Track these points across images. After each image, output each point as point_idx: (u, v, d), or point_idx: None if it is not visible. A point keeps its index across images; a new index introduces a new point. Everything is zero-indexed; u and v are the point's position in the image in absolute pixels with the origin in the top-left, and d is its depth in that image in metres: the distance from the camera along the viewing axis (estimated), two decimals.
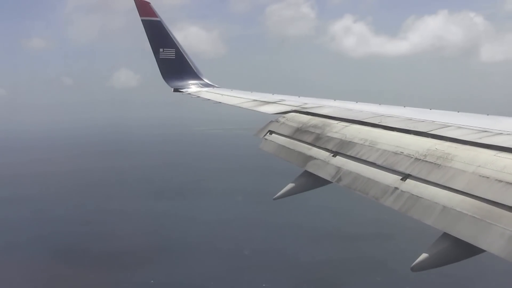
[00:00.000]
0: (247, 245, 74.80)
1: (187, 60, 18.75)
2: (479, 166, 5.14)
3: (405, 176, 5.80)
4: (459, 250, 4.81)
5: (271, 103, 12.51)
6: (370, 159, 6.67)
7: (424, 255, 4.97)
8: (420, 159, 5.92)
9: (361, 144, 7.22)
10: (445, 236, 4.84)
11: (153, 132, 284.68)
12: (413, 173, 5.75)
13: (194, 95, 17.73)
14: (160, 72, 18.54)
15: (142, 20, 17.71)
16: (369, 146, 7.02)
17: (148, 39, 18.06)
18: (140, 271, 66.66)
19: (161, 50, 18.22)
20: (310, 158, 7.89)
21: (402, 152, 6.32)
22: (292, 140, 9.02)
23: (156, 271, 66.21)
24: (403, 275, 62.06)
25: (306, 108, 10.69)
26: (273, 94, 14.04)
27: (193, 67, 18.92)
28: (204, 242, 77.53)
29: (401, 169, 5.98)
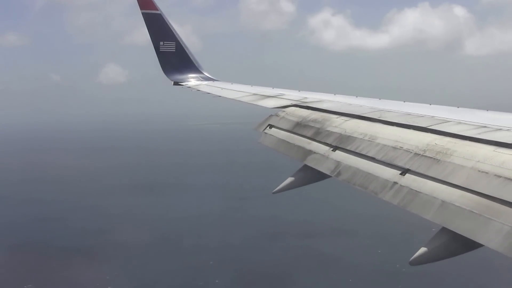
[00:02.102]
0: (206, 242, 75.07)
1: (187, 54, 18.69)
2: (478, 161, 5.16)
3: (404, 171, 5.82)
4: (458, 244, 4.84)
5: (271, 97, 12.50)
6: (369, 154, 6.68)
7: (422, 249, 5.01)
8: (419, 154, 5.94)
9: (361, 138, 7.24)
10: (444, 230, 4.87)
11: (146, 128, 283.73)
12: (412, 168, 5.77)
13: (194, 89, 17.69)
14: (160, 65, 18.48)
15: (142, 12, 17.61)
16: (369, 140, 7.04)
17: (148, 32, 17.97)
18: (97, 267, 66.67)
19: (161, 43, 18.12)
20: (309, 152, 7.91)
21: (402, 147, 6.33)
22: (291, 134, 9.05)
23: (112, 268, 66.27)
24: (356, 271, 62.54)
25: (306, 102, 10.70)
26: (273, 88, 14.04)
27: (193, 61, 18.86)
28: (165, 239, 77.63)
29: (400, 164, 5.99)
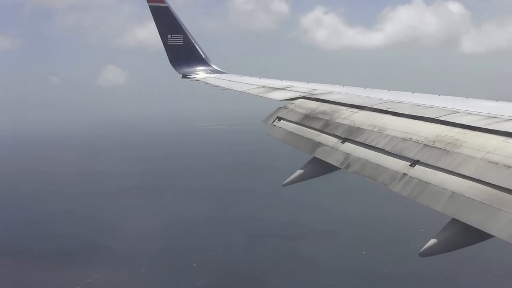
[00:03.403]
0: (192, 244, 74.65)
1: (195, 46, 18.68)
2: (488, 152, 5.14)
3: (414, 162, 5.82)
4: (468, 235, 4.85)
5: (279, 89, 12.50)
6: (378, 145, 6.68)
7: (432, 241, 5.02)
8: (429, 145, 5.93)
9: (370, 130, 7.23)
10: (454, 221, 4.87)
11: (155, 131, 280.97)
12: (422, 159, 5.76)
13: (202, 81, 17.69)
14: (168, 58, 18.48)
15: (150, 6, 17.58)
16: (378, 132, 7.03)
17: (156, 25, 17.94)
18: (79, 269, 66.45)
19: (169, 36, 18.11)
20: (318, 144, 7.92)
21: (411, 138, 6.33)
22: (300, 127, 9.05)
23: (94, 270, 65.99)
24: (337, 274, 61.95)
25: (314, 94, 10.68)
26: (281, 80, 14.02)
27: (201, 53, 18.85)
28: (150, 241, 76.78)
29: (410, 155, 5.99)
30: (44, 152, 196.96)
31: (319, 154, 7.65)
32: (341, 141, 7.51)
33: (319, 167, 7.74)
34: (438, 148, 5.76)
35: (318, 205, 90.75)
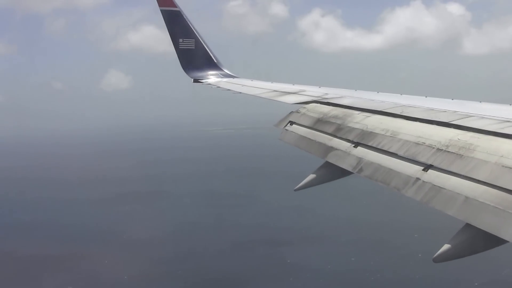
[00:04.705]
0: (180, 251, 74.61)
1: (207, 51, 18.70)
2: (501, 156, 5.12)
3: (427, 167, 5.80)
4: (482, 241, 4.82)
5: (291, 94, 12.51)
6: (391, 150, 6.68)
7: (446, 246, 4.99)
8: (442, 150, 5.91)
9: (383, 134, 7.23)
10: (467, 227, 4.85)
11: (162, 136, 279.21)
12: (435, 164, 5.74)
13: (214, 86, 17.69)
14: (180, 62, 18.51)
15: (161, 10, 17.54)
16: (391, 136, 7.03)
17: (167, 29, 17.90)
18: (59, 276, 66.68)
19: (180, 40, 18.10)
20: (331, 149, 7.92)
21: (424, 143, 6.31)
22: (312, 131, 9.05)
23: (74, 277, 66.22)
24: (324, 280, 61.63)
25: (326, 98, 10.69)
26: (293, 84, 14.04)
27: (213, 58, 18.86)
28: (138, 248, 76.65)
29: (423, 160, 5.98)
30: (50, 157, 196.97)
31: (332, 159, 7.65)
32: (353, 145, 7.51)
33: (332, 172, 7.73)
34: (452, 152, 5.74)
35: (313, 211, 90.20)
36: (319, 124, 9.15)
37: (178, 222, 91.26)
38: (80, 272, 67.82)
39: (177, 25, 17.96)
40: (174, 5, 17.65)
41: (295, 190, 8.09)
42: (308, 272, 64.15)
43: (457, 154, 5.65)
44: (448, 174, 5.43)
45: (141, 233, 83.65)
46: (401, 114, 7.81)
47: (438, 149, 5.98)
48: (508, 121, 6.11)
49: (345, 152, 7.49)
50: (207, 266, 68.06)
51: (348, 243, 74.24)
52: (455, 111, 7.19)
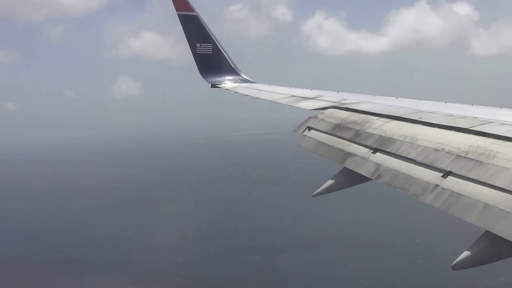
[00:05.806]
0: (178, 257, 74.33)
1: (224, 55, 18.75)
2: None
3: (446, 173, 5.78)
4: (501, 248, 4.78)
5: (309, 99, 12.51)
6: (410, 156, 6.65)
7: (465, 253, 4.96)
8: (461, 156, 5.88)
9: (401, 140, 7.21)
10: (487, 234, 4.82)
11: (177, 142, 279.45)
12: (455, 170, 5.71)
13: (232, 91, 17.72)
14: (197, 67, 18.57)
15: (178, 14, 17.50)
16: (409, 142, 7.00)
17: (185, 34, 17.85)
18: (56, 284, 66.95)
19: (198, 45, 18.12)
20: (349, 154, 7.92)
21: (443, 149, 6.28)
22: (331, 137, 9.04)
23: (76, 283, 66.60)
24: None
25: (345, 104, 10.68)
26: (311, 90, 14.05)
27: (230, 63, 18.91)
28: (137, 254, 76.34)
29: (442, 166, 5.95)
30: (64, 166, 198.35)
31: (350, 165, 7.64)
32: (372, 151, 7.49)
33: (350, 178, 7.72)
34: (471, 159, 5.71)
35: (315, 216, 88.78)
36: (337, 129, 9.15)
37: (193, 228, 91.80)
38: (83, 278, 68.33)
39: (194, 29, 17.97)
40: (192, 10, 17.65)
41: (313, 196, 8.07)
42: (308, 278, 63.86)
43: (477, 160, 5.61)
44: (468, 181, 5.40)
45: (140, 240, 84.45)
46: (420, 120, 7.79)
47: (457, 155, 5.95)
48: None
49: (363, 158, 7.48)
50: (208, 273, 68.31)
51: (349, 248, 73.85)
52: (475, 117, 7.15)
